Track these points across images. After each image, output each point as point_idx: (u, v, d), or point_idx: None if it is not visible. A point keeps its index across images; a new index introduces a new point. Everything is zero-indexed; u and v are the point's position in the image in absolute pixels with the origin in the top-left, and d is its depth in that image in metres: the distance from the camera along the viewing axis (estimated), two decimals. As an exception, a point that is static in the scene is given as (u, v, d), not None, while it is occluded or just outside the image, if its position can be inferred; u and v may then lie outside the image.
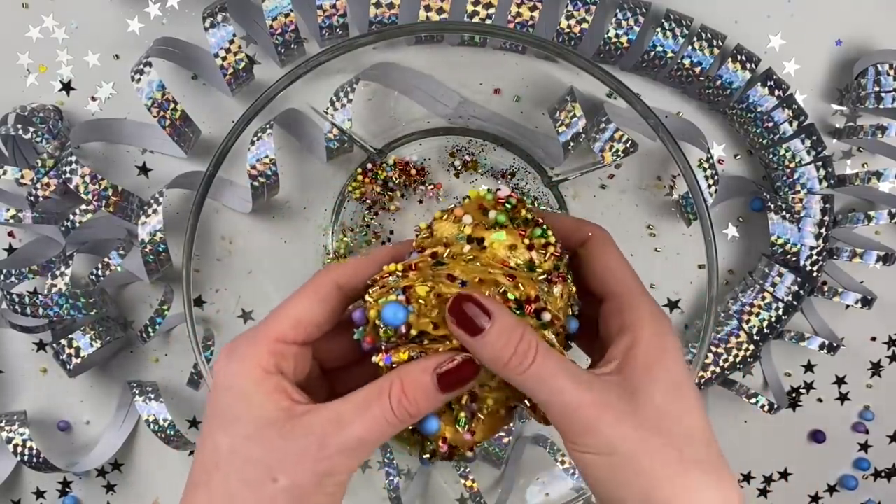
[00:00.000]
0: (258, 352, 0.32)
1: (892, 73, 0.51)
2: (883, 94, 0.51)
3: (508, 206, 0.36)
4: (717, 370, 0.54)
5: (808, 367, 0.59)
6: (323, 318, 0.34)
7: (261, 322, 0.33)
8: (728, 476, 0.32)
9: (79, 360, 0.52)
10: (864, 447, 0.60)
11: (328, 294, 0.34)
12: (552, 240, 0.35)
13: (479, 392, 0.34)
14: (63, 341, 0.52)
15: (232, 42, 0.50)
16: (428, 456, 0.35)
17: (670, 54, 0.51)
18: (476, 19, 0.50)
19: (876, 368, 0.59)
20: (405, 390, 0.31)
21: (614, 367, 0.32)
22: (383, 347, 0.33)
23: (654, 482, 0.30)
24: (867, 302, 0.54)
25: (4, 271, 0.53)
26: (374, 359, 0.33)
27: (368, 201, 0.56)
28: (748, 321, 0.54)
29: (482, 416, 0.35)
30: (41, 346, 0.57)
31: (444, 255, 0.34)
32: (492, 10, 0.50)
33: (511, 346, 0.31)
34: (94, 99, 0.55)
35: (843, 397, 0.59)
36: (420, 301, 0.32)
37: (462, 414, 0.34)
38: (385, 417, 0.31)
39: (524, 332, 0.31)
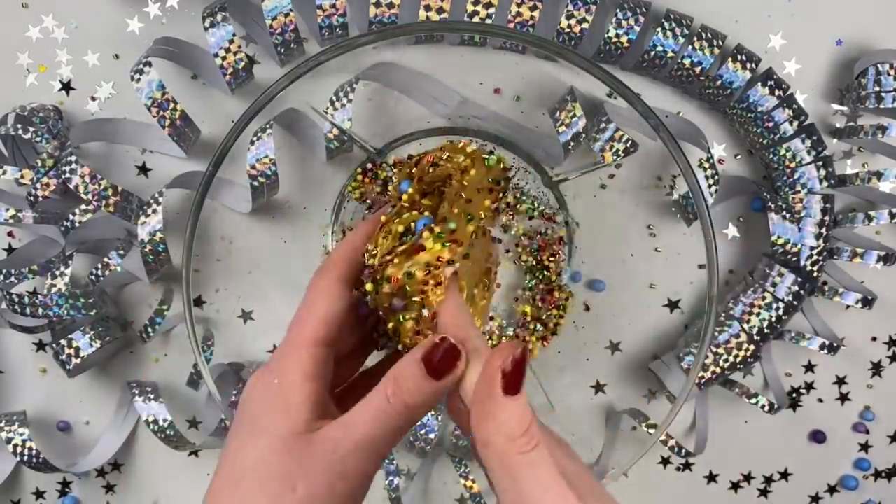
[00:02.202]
0: (299, 358, 0.33)
1: (892, 72, 0.51)
2: (883, 94, 0.51)
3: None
4: (718, 370, 0.54)
5: (809, 368, 0.59)
6: (343, 312, 0.35)
7: (290, 334, 0.34)
8: None
9: (78, 360, 0.52)
10: (865, 447, 0.60)
11: (341, 290, 0.35)
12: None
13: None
14: (63, 341, 0.52)
15: (232, 42, 0.50)
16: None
17: (670, 54, 0.51)
18: (476, 19, 0.50)
19: (876, 368, 0.59)
20: (397, 381, 0.32)
21: None
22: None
23: None
24: (867, 302, 0.54)
25: (4, 271, 0.53)
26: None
27: (368, 201, 0.56)
28: (748, 321, 0.54)
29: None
30: (41, 346, 0.57)
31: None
32: (492, 10, 0.50)
33: (523, 426, 0.30)
34: (93, 99, 0.55)
35: (843, 397, 0.59)
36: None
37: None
38: (384, 410, 0.32)
39: (533, 420, 0.30)
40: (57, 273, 0.53)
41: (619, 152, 0.52)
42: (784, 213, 0.53)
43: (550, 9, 0.52)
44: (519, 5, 0.50)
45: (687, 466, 0.60)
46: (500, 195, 0.38)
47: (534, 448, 0.29)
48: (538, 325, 0.56)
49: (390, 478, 0.55)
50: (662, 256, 0.57)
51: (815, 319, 0.57)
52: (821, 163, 0.53)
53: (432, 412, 0.55)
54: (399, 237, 0.35)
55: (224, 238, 0.56)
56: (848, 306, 0.56)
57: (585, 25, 0.50)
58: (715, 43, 0.51)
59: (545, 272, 0.56)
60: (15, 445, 0.53)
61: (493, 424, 0.29)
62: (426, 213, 0.35)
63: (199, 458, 0.59)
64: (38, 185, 0.51)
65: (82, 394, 0.58)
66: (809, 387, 0.59)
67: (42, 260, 0.54)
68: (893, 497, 0.60)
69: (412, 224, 0.35)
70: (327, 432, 0.32)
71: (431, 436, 0.55)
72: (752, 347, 0.54)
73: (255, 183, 0.51)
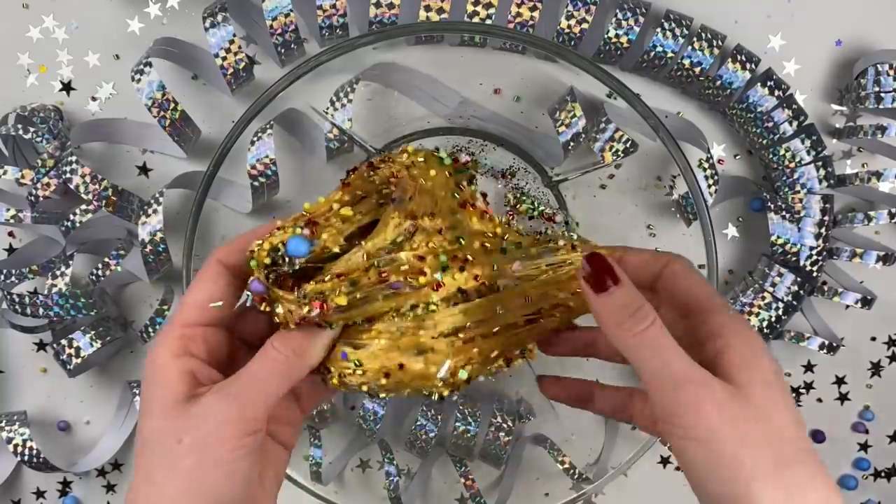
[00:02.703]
0: (167, 339, 0.35)
1: (892, 73, 0.51)
2: (883, 94, 0.51)
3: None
4: (717, 370, 0.54)
5: (808, 367, 0.59)
6: (218, 295, 0.36)
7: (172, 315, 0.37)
8: (825, 478, 0.32)
9: (79, 360, 0.52)
10: (864, 447, 0.60)
11: (217, 273, 0.37)
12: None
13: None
14: (63, 341, 0.52)
15: (232, 42, 0.50)
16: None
17: (670, 54, 0.51)
18: (476, 19, 0.50)
19: (876, 368, 0.59)
20: (283, 335, 0.35)
21: (704, 362, 0.33)
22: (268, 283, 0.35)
23: (752, 476, 0.31)
24: (867, 302, 0.54)
25: (4, 271, 0.53)
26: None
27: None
28: (748, 321, 0.54)
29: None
30: (41, 346, 0.57)
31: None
32: (492, 10, 0.50)
33: (631, 309, 0.33)
34: (94, 99, 0.55)
35: (843, 397, 0.59)
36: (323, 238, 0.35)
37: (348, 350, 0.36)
38: (272, 355, 0.35)
39: (645, 303, 0.33)
40: (57, 273, 0.53)
41: (619, 152, 0.52)
42: (784, 213, 0.53)
43: (550, 9, 0.52)
44: (519, 6, 0.50)
45: (687, 466, 0.60)
46: (474, 195, 0.38)
47: (649, 327, 0.33)
48: None
49: (390, 477, 0.55)
50: (662, 256, 0.57)
51: (815, 319, 0.57)
52: (820, 163, 0.53)
53: (432, 412, 0.55)
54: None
55: (224, 238, 0.56)
56: (847, 306, 0.56)
57: (585, 26, 0.50)
58: (715, 43, 0.51)
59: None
60: (15, 445, 0.53)
61: (603, 322, 0.34)
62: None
63: (199, 458, 0.59)
64: (39, 186, 0.51)
65: (83, 394, 0.58)
66: (809, 387, 0.59)
67: (42, 260, 0.54)
68: (893, 497, 0.60)
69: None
70: (208, 395, 0.34)
71: (431, 435, 0.55)
72: (751, 347, 0.54)
73: (256, 183, 0.51)
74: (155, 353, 0.35)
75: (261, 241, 0.35)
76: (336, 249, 0.35)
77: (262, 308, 0.36)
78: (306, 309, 0.34)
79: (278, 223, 0.36)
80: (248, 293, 0.35)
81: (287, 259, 0.34)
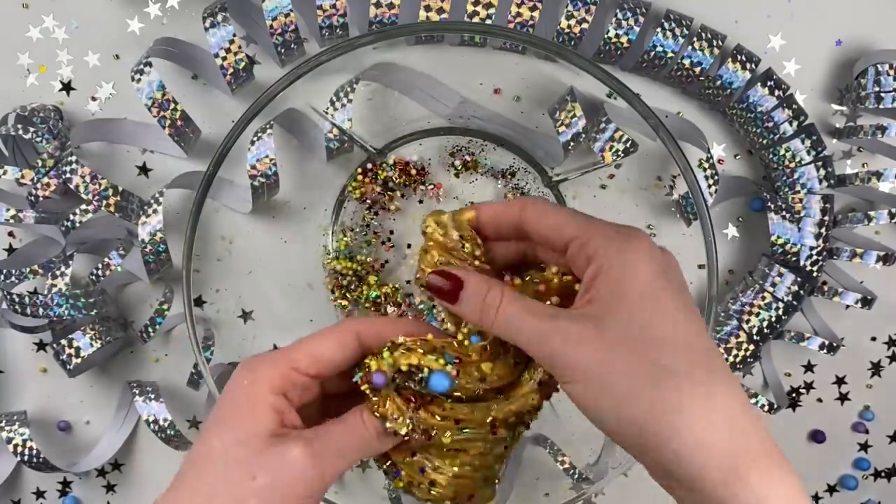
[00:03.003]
0: (272, 373, 0.35)
1: (892, 73, 0.51)
2: (883, 94, 0.51)
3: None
4: (717, 370, 0.54)
5: (808, 367, 0.59)
6: (338, 360, 0.36)
7: (283, 348, 0.36)
8: (724, 381, 0.31)
9: (79, 360, 0.52)
10: (864, 447, 0.60)
11: (348, 342, 0.36)
12: None
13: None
14: (63, 341, 0.52)
15: (232, 42, 0.50)
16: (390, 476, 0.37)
17: (670, 54, 0.51)
18: (476, 19, 0.50)
19: (876, 368, 0.59)
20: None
21: (585, 298, 0.33)
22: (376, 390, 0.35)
23: (624, 400, 0.30)
24: (867, 302, 0.54)
25: (4, 271, 0.53)
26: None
27: (368, 201, 0.56)
28: (748, 321, 0.54)
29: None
30: (41, 346, 0.57)
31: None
32: (492, 10, 0.50)
33: (480, 299, 0.34)
34: (94, 99, 0.55)
35: (843, 397, 0.59)
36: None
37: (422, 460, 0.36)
38: (359, 429, 0.35)
39: (490, 286, 0.34)
40: (57, 273, 0.53)
41: (619, 152, 0.52)
42: (784, 213, 0.53)
43: (550, 9, 0.52)
44: (519, 5, 0.50)
45: (687, 466, 0.60)
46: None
47: (498, 308, 0.33)
48: None
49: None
50: (662, 256, 0.57)
51: (815, 319, 0.57)
52: (820, 163, 0.53)
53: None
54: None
55: (224, 238, 0.56)
56: (847, 306, 0.56)
57: (585, 26, 0.50)
58: (715, 43, 0.51)
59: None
60: (15, 445, 0.53)
61: (470, 321, 0.35)
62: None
63: (199, 458, 0.59)
64: (39, 185, 0.51)
65: (83, 394, 0.58)
66: (809, 387, 0.59)
67: (42, 260, 0.54)
68: (893, 497, 0.60)
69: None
70: (293, 442, 0.33)
71: (431, 436, 0.55)
72: (751, 347, 0.54)
73: (256, 183, 0.51)
74: (255, 378, 0.34)
75: (406, 346, 0.35)
76: (463, 396, 0.35)
77: (365, 390, 0.35)
78: (405, 430, 0.34)
79: (429, 336, 0.35)
80: (361, 373, 0.35)
81: (421, 383, 0.34)
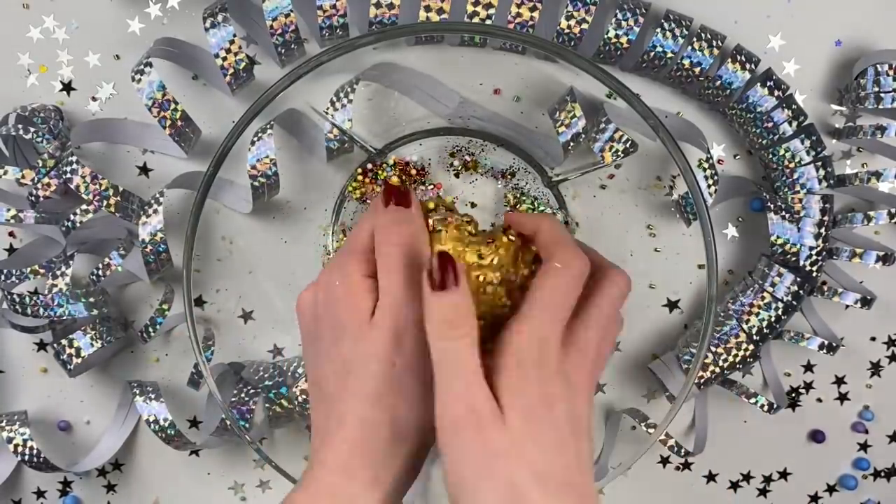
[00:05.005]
0: (358, 261, 0.38)
1: (891, 73, 0.51)
2: (882, 95, 0.51)
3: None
4: (717, 370, 0.55)
5: (808, 367, 0.59)
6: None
7: (342, 249, 0.39)
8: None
9: (79, 360, 0.52)
10: (864, 447, 0.60)
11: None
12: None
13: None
14: (63, 341, 0.52)
15: (232, 42, 0.50)
16: None
17: (670, 54, 0.51)
18: (476, 19, 0.50)
19: (875, 368, 0.59)
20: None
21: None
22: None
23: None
24: (867, 302, 0.54)
25: (5, 271, 0.53)
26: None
27: (368, 201, 0.56)
28: (748, 321, 0.54)
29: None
30: (42, 346, 0.57)
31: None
32: (492, 11, 0.50)
33: (456, 314, 0.34)
34: (94, 99, 0.55)
35: (842, 397, 0.59)
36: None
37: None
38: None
39: (470, 317, 0.34)
40: (58, 273, 0.53)
41: (619, 152, 0.52)
42: (783, 213, 0.53)
43: (550, 9, 0.52)
44: (519, 6, 0.50)
45: (686, 466, 0.60)
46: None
47: (459, 337, 0.33)
48: None
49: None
50: (662, 256, 0.57)
51: (815, 319, 0.57)
52: (820, 163, 0.53)
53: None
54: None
55: (224, 238, 0.56)
56: (847, 306, 0.56)
57: (585, 26, 0.50)
58: (714, 43, 0.51)
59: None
60: (16, 445, 0.54)
61: (427, 318, 0.34)
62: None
63: (199, 458, 0.59)
64: (39, 186, 0.51)
65: (83, 393, 0.58)
66: (809, 386, 0.59)
67: (43, 260, 0.54)
68: (893, 497, 0.60)
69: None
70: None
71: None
72: (751, 347, 0.54)
73: (256, 183, 0.51)
74: (349, 271, 0.37)
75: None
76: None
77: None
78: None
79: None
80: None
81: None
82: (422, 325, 0.34)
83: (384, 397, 0.35)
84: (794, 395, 0.59)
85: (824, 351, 0.55)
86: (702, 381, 0.55)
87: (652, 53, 0.51)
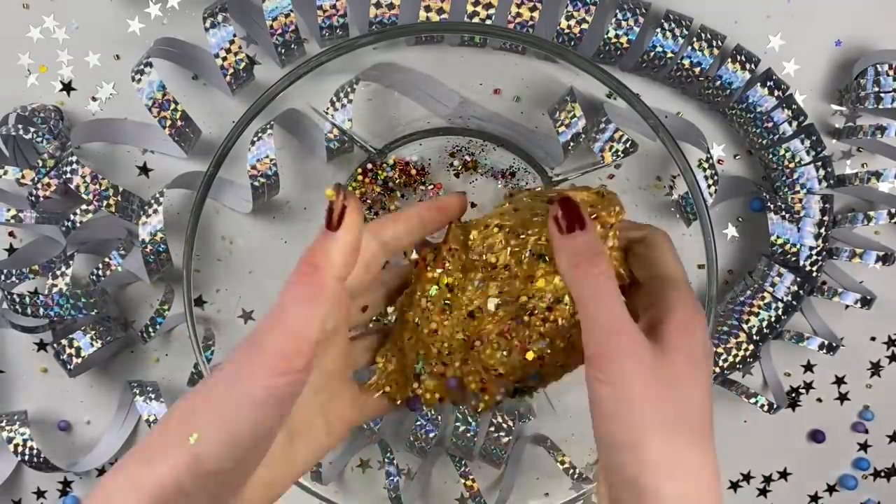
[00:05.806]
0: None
1: (891, 73, 0.51)
2: (882, 95, 0.51)
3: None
4: (717, 370, 0.55)
5: (808, 367, 0.59)
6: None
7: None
8: (711, 452, 0.33)
9: (79, 360, 0.52)
10: (864, 447, 0.60)
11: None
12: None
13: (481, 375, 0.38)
14: (63, 341, 0.52)
15: (232, 42, 0.50)
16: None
17: (670, 54, 0.51)
18: (476, 19, 0.50)
19: (875, 368, 0.59)
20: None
21: (645, 325, 0.35)
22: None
23: (650, 427, 0.32)
24: (867, 302, 0.54)
25: (5, 271, 0.53)
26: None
27: (368, 201, 0.56)
28: (748, 321, 0.54)
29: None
30: (42, 346, 0.57)
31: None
32: (492, 11, 0.50)
33: (589, 253, 0.34)
34: (94, 99, 0.55)
35: (842, 397, 0.59)
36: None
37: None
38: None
39: (603, 251, 0.35)
40: (58, 273, 0.53)
41: (619, 152, 0.52)
42: (783, 213, 0.53)
43: (550, 9, 0.52)
44: (519, 6, 0.50)
45: (686, 466, 0.60)
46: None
47: (599, 274, 0.34)
48: None
49: (390, 477, 0.55)
50: (662, 256, 0.57)
51: (815, 319, 0.57)
52: (820, 163, 0.53)
53: (432, 412, 0.55)
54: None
55: (224, 238, 0.56)
56: (847, 306, 0.56)
57: (585, 26, 0.50)
58: (714, 43, 0.51)
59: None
60: (16, 445, 0.54)
61: (561, 260, 0.35)
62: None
63: (199, 458, 0.59)
64: (39, 186, 0.51)
65: (83, 393, 0.58)
66: (808, 386, 0.59)
67: (43, 260, 0.54)
68: (893, 497, 0.60)
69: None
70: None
71: (431, 435, 0.55)
72: (751, 347, 0.54)
73: (256, 183, 0.51)
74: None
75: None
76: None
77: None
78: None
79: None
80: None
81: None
82: None
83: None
84: (794, 395, 0.59)
85: (824, 351, 0.55)
86: (702, 381, 0.55)
87: (652, 53, 0.51)
